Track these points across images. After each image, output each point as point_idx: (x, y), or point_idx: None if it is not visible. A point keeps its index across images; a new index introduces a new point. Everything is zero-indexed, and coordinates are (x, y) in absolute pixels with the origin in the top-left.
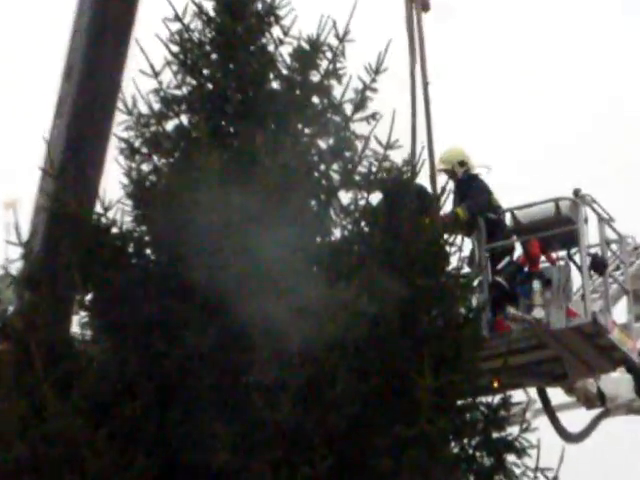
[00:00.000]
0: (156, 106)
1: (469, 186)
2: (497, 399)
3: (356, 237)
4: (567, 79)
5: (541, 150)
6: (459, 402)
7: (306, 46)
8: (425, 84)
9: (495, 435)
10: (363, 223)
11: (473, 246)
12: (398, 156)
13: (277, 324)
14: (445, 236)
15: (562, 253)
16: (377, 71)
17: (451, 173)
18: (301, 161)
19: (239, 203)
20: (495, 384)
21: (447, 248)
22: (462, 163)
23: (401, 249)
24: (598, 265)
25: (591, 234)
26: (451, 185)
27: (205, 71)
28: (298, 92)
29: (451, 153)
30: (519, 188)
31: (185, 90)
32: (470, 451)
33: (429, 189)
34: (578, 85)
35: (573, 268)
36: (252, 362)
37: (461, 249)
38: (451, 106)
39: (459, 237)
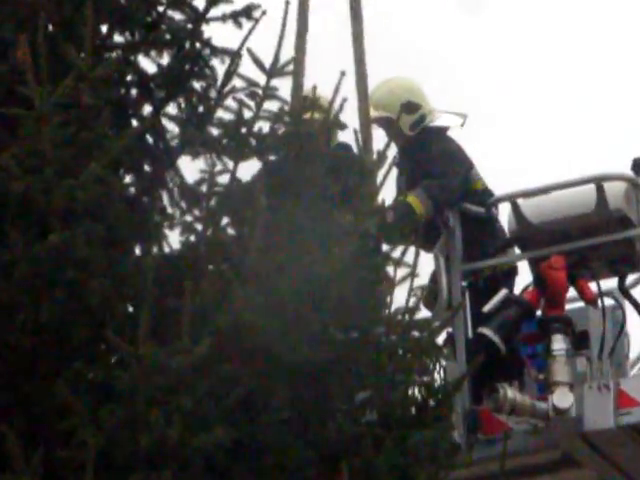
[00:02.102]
0: None
1: (427, 151)
2: None
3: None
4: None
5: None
6: None
7: None
8: None
9: None
10: (225, 220)
11: (437, 266)
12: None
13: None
14: (384, 248)
15: (611, 283)
16: None
17: (393, 126)
18: (104, 90)
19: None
20: None
21: (388, 271)
22: (412, 107)
23: (297, 278)
24: None
25: None
26: (395, 149)
27: None
28: None
29: (393, 90)
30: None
31: None
32: None
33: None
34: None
35: (631, 312)
36: None
37: (413, 273)
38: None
39: (410, 249)
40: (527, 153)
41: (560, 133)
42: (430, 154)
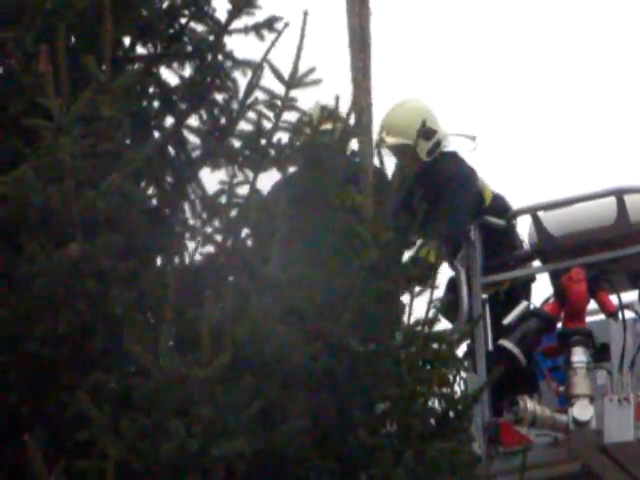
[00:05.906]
0: None
1: (441, 175)
2: None
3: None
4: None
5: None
6: None
7: None
8: None
9: None
10: (245, 232)
11: (457, 278)
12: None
13: None
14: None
15: (631, 296)
16: None
17: (410, 153)
18: (124, 102)
19: None
20: None
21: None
22: (429, 132)
23: (316, 289)
24: None
25: None
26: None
27: None
28: None
29: (409, 115)
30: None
31: None
32: None
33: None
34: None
35: None
36: None
37: (433, 284)
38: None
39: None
40: (548, 165)
41: (580, 145)
42: (444, 178)
